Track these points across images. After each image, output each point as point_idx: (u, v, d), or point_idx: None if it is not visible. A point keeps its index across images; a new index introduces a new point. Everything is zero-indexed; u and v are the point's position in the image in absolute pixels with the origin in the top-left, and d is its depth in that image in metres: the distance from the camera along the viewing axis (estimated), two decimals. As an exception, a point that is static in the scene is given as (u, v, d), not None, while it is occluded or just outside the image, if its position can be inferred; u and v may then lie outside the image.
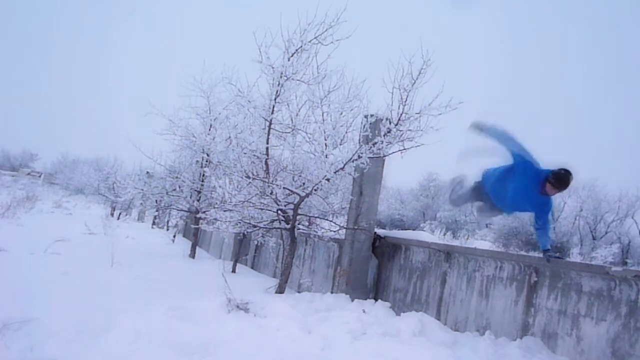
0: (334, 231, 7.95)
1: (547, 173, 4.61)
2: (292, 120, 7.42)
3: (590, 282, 4.40)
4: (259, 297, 6.23)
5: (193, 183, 11.89)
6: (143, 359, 4.08)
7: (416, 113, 6.48)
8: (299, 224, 7.75)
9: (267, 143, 7.17)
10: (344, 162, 6.73)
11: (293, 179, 7.53)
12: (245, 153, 7.20)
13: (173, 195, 12.52)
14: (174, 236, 17.80)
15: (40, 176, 51.19)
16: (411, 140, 6.62)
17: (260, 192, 7.08)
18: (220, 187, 7.28)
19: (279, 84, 6.94)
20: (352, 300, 6.58)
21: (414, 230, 14.40)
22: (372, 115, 6.80)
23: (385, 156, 6.85)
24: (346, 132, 7.17)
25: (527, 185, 4.70)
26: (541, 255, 4.81)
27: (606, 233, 34.54)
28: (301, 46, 6.89)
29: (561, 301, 4.61)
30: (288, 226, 7.37)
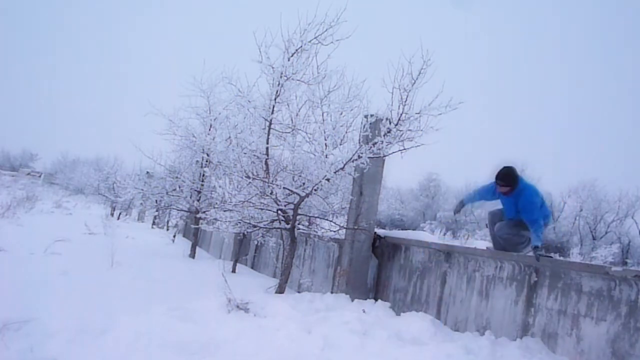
0: (334, 231, 7.94)
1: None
2: (292, 120, 7.42)
3: (590, 282, 4.39)
4: (259, 297, 6.23)
5: (193, 183, 11.89)
6: (143, 359, 4.08)
7: (416, 113, 6.48)
8: (299, 224, 7.75)
9: (267, 143, 7.17)
10: (344, 162, 6.73)
11: (293, 179, 7.53)
12: (245, 153, 7.20)
13: (173, 195, 12.52)
14: (174, 236, 17.81)
15: (40, 176, 51.24)
16: (411, 140, 6.61)
17: (260, 192, 7.08)
18: (220, 187, 7.28)
19: (279, 84, 6.94)
20: (352, 300, 6.58)
21: (414, 230, 14.39)
22: (372, 115, 6.79)
23: (385, 156, 6.84)
24: (346, 132, 7.16)
25: (493, 197, 5.81)
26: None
27: (606, 233, 34.56)
28: (301, 46, 6.88)
29: (561, 301, 4.61)
30: (288, 226, 7.37)
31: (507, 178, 5.42)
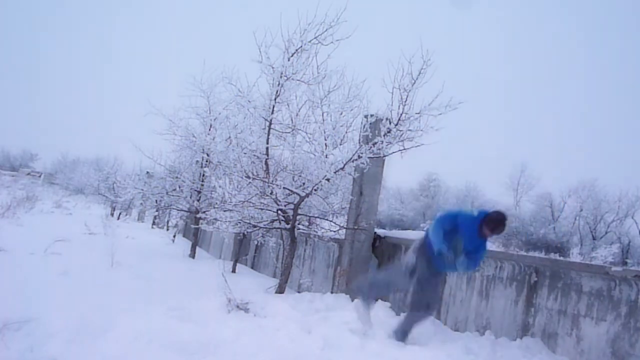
0: (334, 231, 7.94)
1: (481, 216, 4.58)
2: (292, 120, 7.42)
3: (590, 282, 4.40)
4: (259, 297, 6.23)
5: (193, 183, 11.90)
6: (143, 359, 4.07)
7: (416, 113, 6.48)
8: (299, 224, 7.75)
9: (267, 143, 7.17)
10: (344, 162, 6.73)
11: (293, 179, 7.53)
12: (245, 153, 7.20)
13: (173, 195, 12.53)
14: (174, 236, 17.81)
15: (40, 176, 51.27)
16: (411, 140, 6.61)
17: (260, 192, 7.08)
18: (220, 187, 7.28)
19: (279, 84, 6.94)
20: (352, 300, 6.57)
21: (414, 230, 14.41)
22: (372, 115, 6.80)
23: (385, 156, 6.84)
24: (346, 132, 7.17)
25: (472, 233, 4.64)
26: (541, 255, 4.85)
27: (606, 233, 34.59)
28: (301, 46, 6.89)
29: (561, 301, 4.61)
30: (288, 226, 7.37)
31: (503, 228, 4.66)
